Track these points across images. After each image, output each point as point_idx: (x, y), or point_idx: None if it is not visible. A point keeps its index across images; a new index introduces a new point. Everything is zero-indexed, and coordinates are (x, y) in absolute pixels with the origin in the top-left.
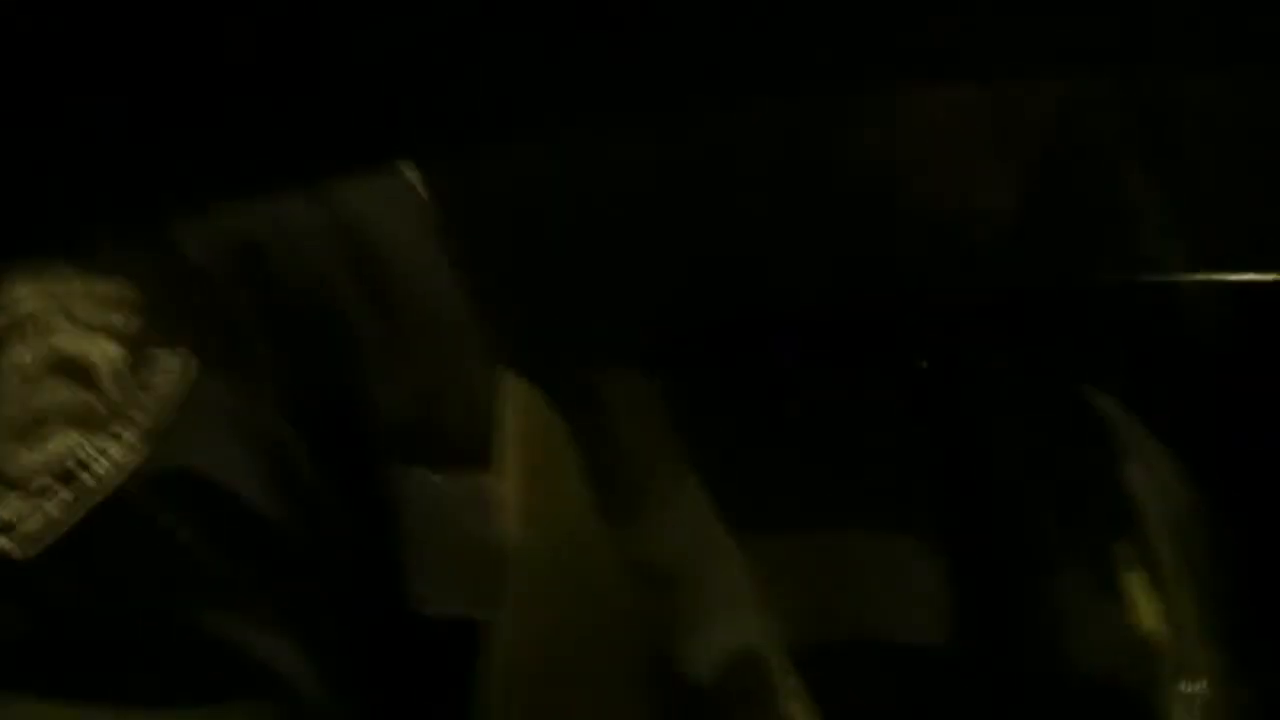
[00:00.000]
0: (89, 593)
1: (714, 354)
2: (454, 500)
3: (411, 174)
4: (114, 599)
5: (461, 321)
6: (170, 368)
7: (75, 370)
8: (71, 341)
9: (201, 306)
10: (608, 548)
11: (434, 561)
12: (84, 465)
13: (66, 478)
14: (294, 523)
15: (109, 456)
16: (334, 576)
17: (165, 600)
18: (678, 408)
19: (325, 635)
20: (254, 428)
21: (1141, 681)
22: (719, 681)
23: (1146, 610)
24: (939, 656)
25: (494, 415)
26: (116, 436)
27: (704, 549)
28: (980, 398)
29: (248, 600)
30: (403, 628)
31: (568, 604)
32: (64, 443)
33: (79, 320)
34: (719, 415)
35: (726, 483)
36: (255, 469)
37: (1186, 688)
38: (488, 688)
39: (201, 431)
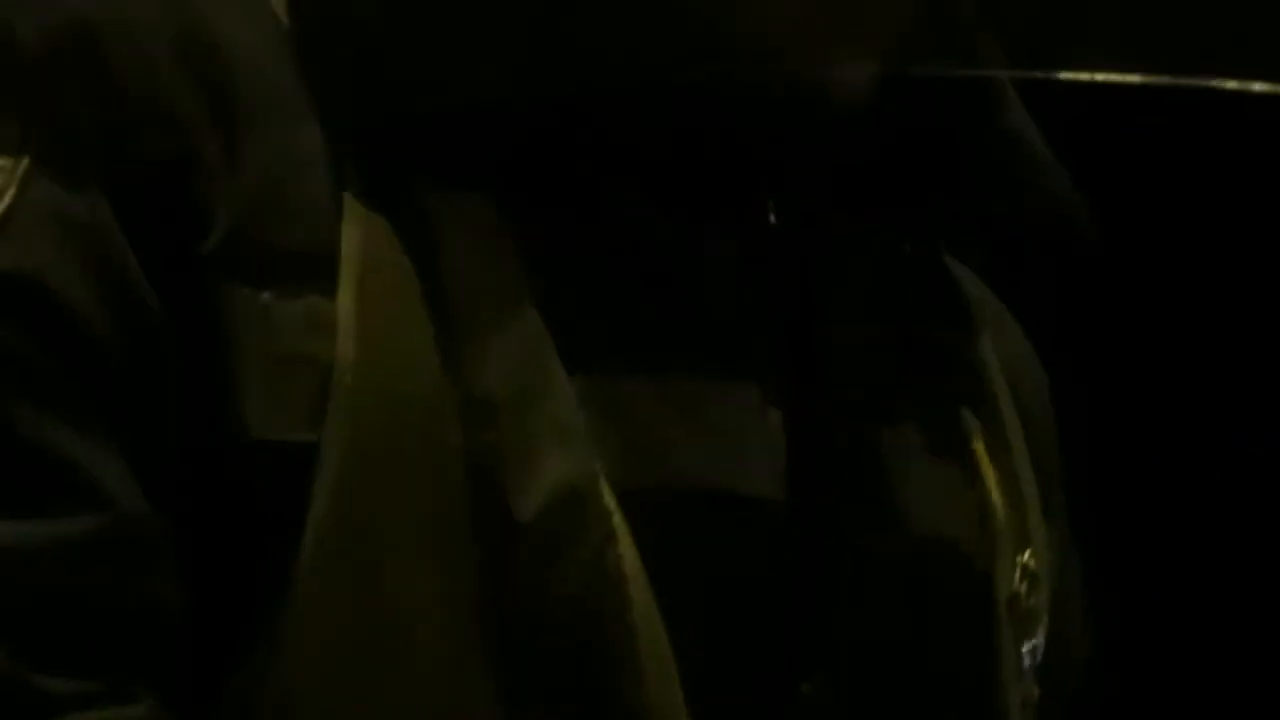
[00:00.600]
0: None
1: (562, 188)
2: (285, 321)
3: None
4: None
5: (300, 133)
6: (2, 166)
7: None
8: None
9: (34, 94)
10: (440, 377)
11: (262, 383)
12: None
13: None
14: (121, 332)
15: None
16: (160, 390)
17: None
18: (522, 239)
19: (149, 449)
20: (83, 232)
21: (977, 548)
22: (541, 517)
23: (988, 480)
24: (770, 509)
25: (331, 237)
26: None
27: (534, 381)
28: (832, 255)
29: (73, 408)
30: (229, 447)
31: (396, 432)
32: None
33: None
34: (563, 252)
35: (565, 319)
36: (84, 274)
37: (1020, 559)
38: (313, 513)
39: (32, 234)
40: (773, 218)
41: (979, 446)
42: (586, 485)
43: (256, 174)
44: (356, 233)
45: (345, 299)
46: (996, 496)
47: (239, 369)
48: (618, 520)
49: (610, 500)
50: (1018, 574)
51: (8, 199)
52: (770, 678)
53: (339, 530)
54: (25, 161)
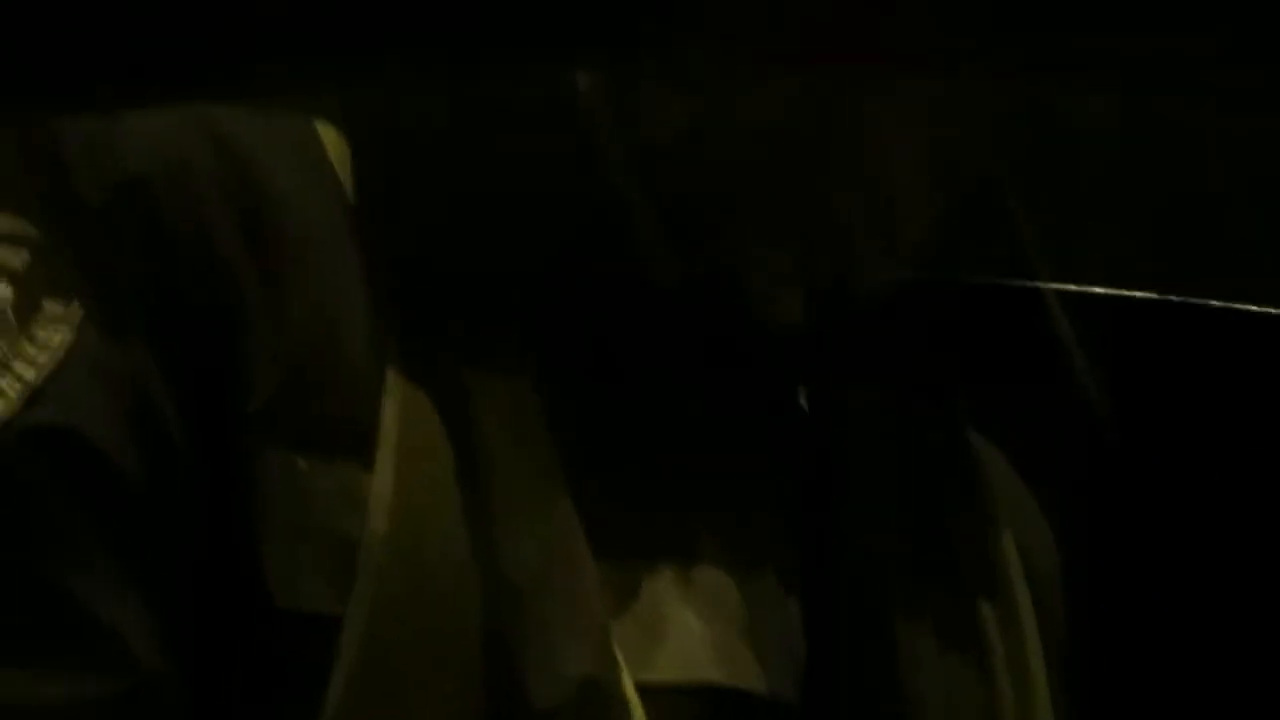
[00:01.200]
0: None
1: (597, 369)
2: (319, 491)
3: (323, 126)
4: None
5: (347, 298)
6: (56, 316)
7: None
8: None
9: (89, 245)
10: (468, 558)
11: (292, 552)
12: None
13: None
14: (156, 488)
15: None
16: (190, 549)
17: (18, 554)
18: (557, 419)
19: (175, 607)
20: (126, 383)
21: None
22: (562, 706)
23: (999, 678)
24: (785, 709)
25: (371, 408)
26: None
27: (559, 566)
28: (859, 441)
29: (103, 564)
30: (255, 612)
31: (421, 610)
32: None
33: None
34: (596, 434)
35: (594, 501)
36: (123, 426)
37: None
38: (333, 684)
39: (76, 386)
40: (804, 402)
41: (993, 640)
42: (607, 677)
43: (302, 335)
44: (396, 406)
45: (382, 474)
46: (1008, 695)
47: (269, 535)
48: (638, 714)
49: (630, 691)
50: None
51: (61, 354)
52: None
53: (357, 704)
54: (79, 313)
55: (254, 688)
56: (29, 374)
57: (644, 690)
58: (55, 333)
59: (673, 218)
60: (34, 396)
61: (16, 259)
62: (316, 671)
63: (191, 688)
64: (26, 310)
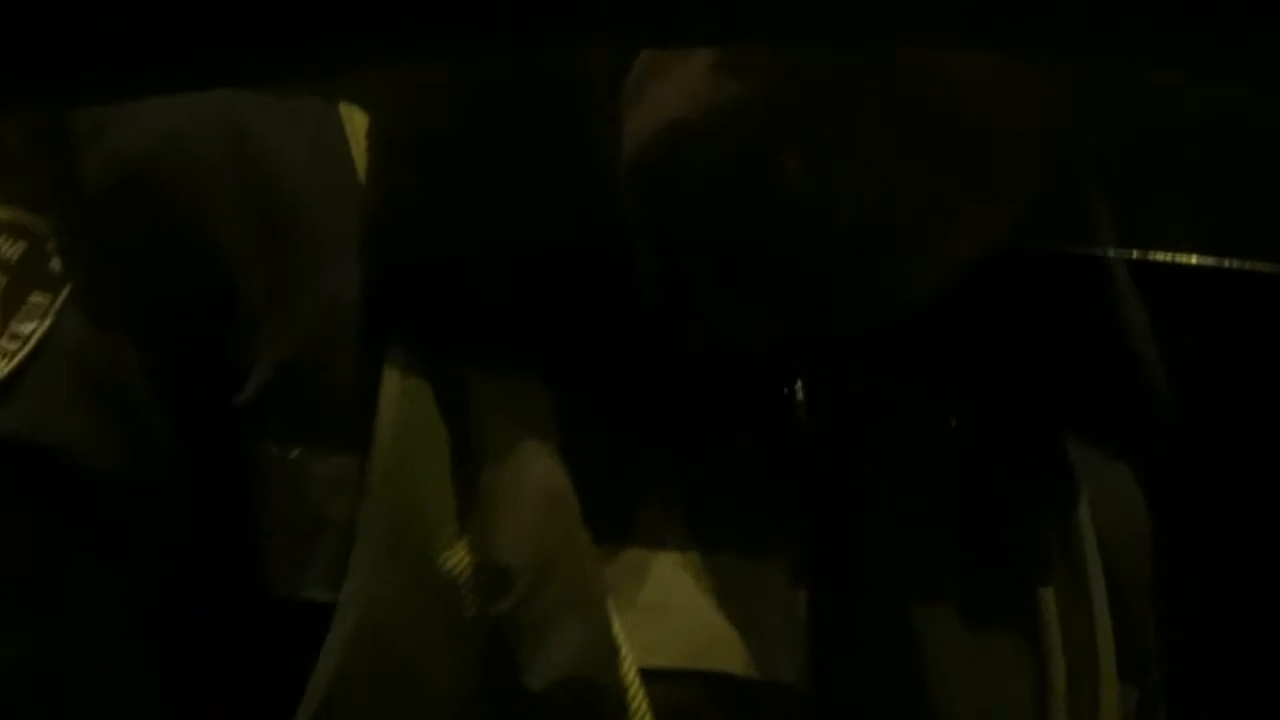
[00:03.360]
0: None
1: (601, 365)
2: (313, 479)
3: (349, 109)
4: None
5: (349, 288)
6: (38, 307)
7: None
8: None
9: (87, 227)
10: (465, 544)
11: (285, 541)
12: None
13: None
14: (132, 480)
15: None
16: (175, 540)
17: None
18: (560, 412)
19: (161, 600)
20: (104, 373)
21: None
22: (554, 690)
23: (1052, 652)
24: (792, 695)
25: (368, 397)
26: None
27: (555, 550)
28: (865, 438)
29: (77, 559)
30: (250, 601)
31: (415, 597)
32: None
33: None
34: (600, 426)
35: (598, 489)
36: (94, 418)
37: None
38: (325, 668)
39: (47, 378)
40: (800, 398)
41: (1049, 615)
42: (601, 662)
43: (301, 324)
44: (394, 395)
45: (378, 462)
46: (1059, 669)
47: (264, 525)
48: (637, 698)
49: (632, 675)
50: None
51: (39, 338)
52: None
53: (351, 689)
54: (63, 294)
55: (249, 675)
56: (1, 366)
57: (648, 675)
58: (31, 324)
59: (666, 234)
60: (4, 392)
61: (14, 250)
62: (311, 658)
63: (183, 683)
64: (13, 303)
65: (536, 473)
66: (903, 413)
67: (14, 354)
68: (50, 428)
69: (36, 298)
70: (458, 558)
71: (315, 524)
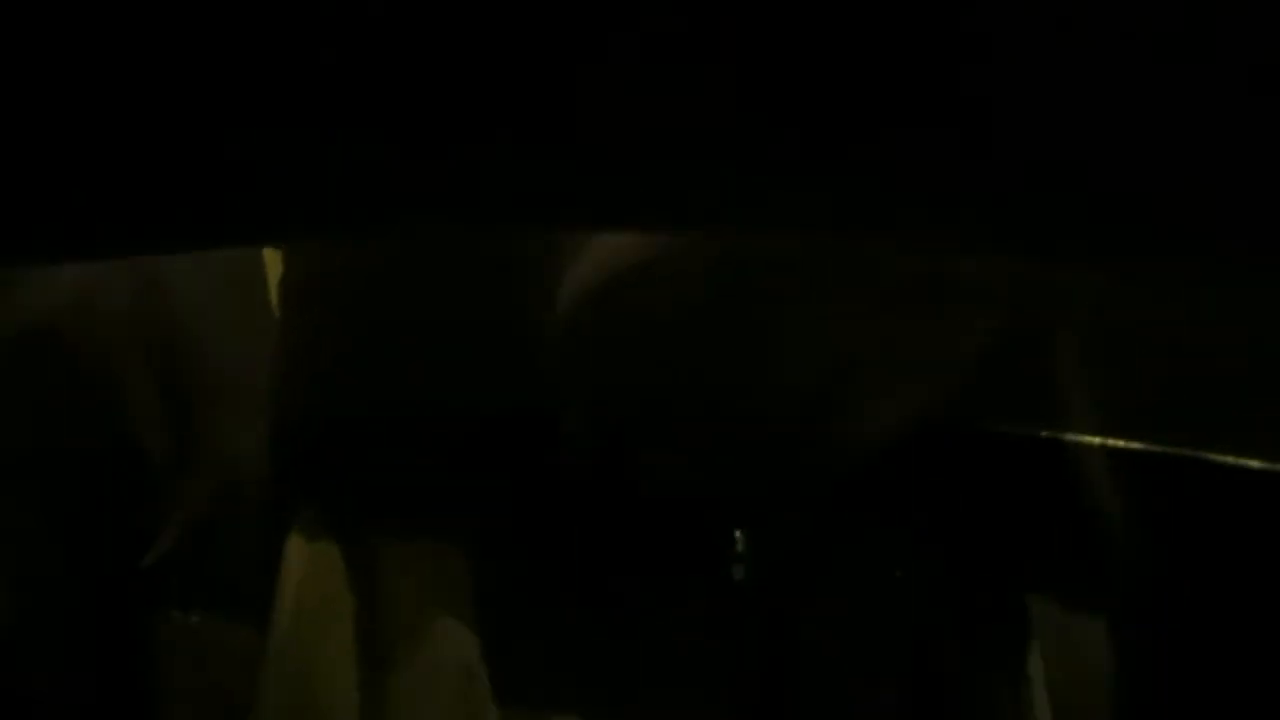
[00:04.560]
0: None
1: (522, 533)
2: (212, 650)
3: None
4: None
5: (254, 450)
6: None
7: None
8: None
9: (11, 386)
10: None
11: (184, 712)
12: None
13: None
14: (36, 641)
15: None
16: (75, 703)
17: None
18: (477, 582)
19: None
20: (8, 533)
21: None
22: None
23: None
24: None
25: (269, 566)
26: None
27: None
28: (805, 602)
29: None
30: None
31: None
32: None
33: None
34: (521, 598)
35: (519, 665)
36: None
37: None
38: None
39: None
40: (740, 551)
41: None
42: None
43: (207, 487)
44: (298, 562)
45: (276, 636)
46: None
47: (162, 693)
48: None
49: None
50: None
51: None
52: None
53: None
54: None
55: None
56: None
57: None
58: None
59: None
60: None
61: None
62: None
63: None
64: None
65: (448, 648)
66: (847, 566)
67: None
68: None
69: None
70: None
71: (212, 696)
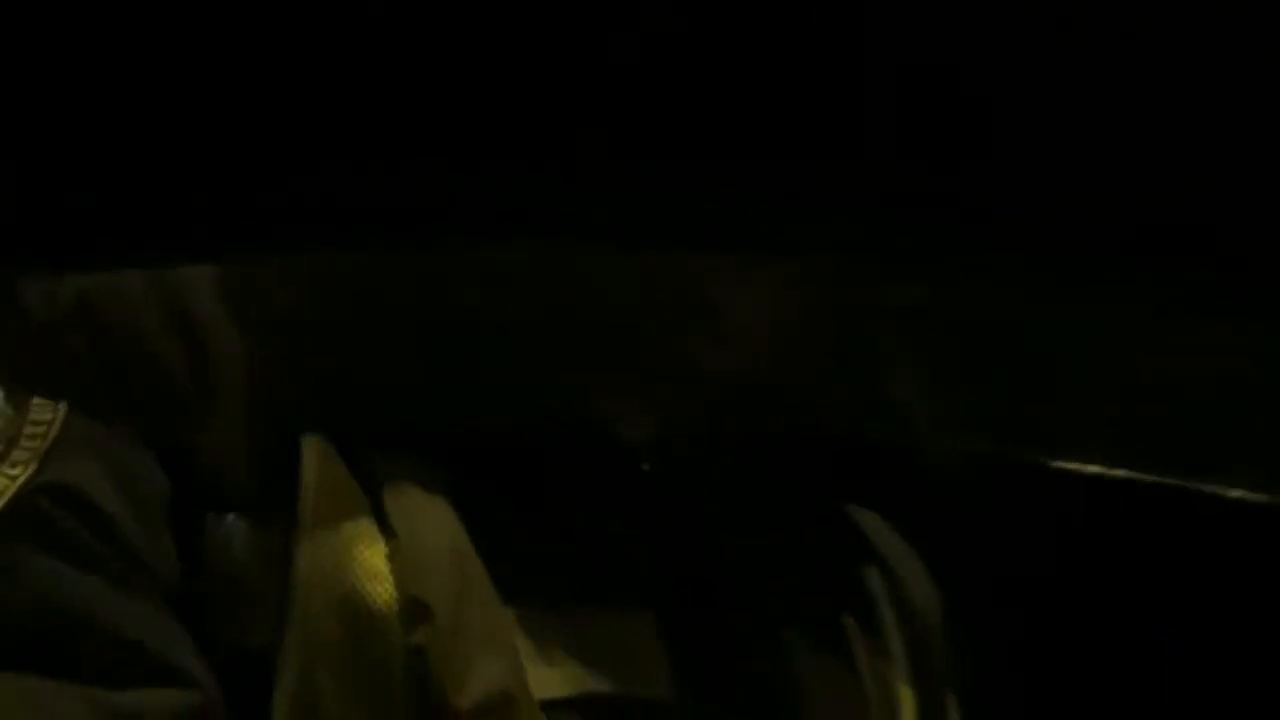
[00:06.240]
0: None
1: (490, 454)
2: (253, 546)
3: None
4: (38, 591)
5: (259, 389)
6: (43, 404)
7: None
8: None
9: (43, 353)
10: (387, 588)
11: (229, 597)
12: None
13: None
14: (149, 549)
15: (7, 475)
16: (172, 588)
17: (78, 586)
18: (458, 495)
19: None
20: (110, 456)
21: None
22: (479, 707)
23: (866, 681)
24: (665, 708)
25: (290, 475)
26: (14, 461)
27: (467, 590)
28: (702, 494)
29: (139, 593)
30: (208, 645)
31: (348, 638)
32: None
33: None
34: (491, 503)
35: (493, 558)
36: (120, 496)
37: None
38: (276, 707)
39: (77, 458)
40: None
41: (859, 650)
42: (518, 686)
43: (226, 416)
44: (314, 466)
45: (304, 522)
46: (874, 697)
47: (213, 579)
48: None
49: (537, 708)
50: None
51: (55, 431)
52: None
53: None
54: (64, 407)
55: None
56: (36, 444)
57: (544, 706)
58: (48, 414)
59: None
60: (43, 461)
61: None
62: (263, 700)
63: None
64: (18, 402)
65: (444, 532)
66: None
67: (46, 436)
68: (79, 480)
69: (38, 400)
70: (387, 592)
71: (252, 581)
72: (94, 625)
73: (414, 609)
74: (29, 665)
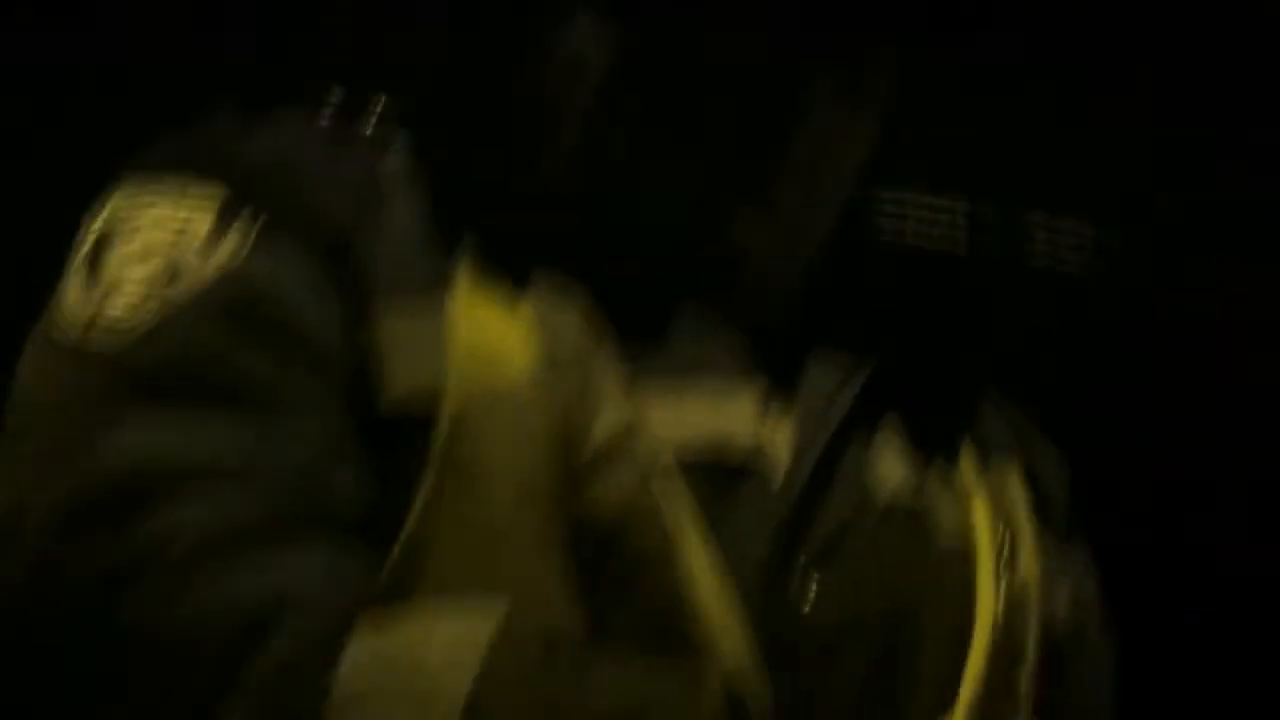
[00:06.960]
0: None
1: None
2: (416, 335)
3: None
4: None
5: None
6: (234, 236)
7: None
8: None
9: (256, 196)
10: (529, 364)
11: (390, 355)
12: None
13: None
14: (341, 345)
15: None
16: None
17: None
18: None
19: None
20: (306, 266)
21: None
22: (608, 449)
23: (971, 496)
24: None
25: (444, 279)
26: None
27: (589, 348)
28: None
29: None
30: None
31: (493, 404)
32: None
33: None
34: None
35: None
36: (313, 295)
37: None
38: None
39: (277, 248)
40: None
41: (966, 464)
42: (638, 423)
43: (388, 256)
44: (466, 279)
45: (455, 326)
46: (981, 514)
47: (377, 334)
48: (667, 464)
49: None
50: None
51: (242, 255)
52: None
53: (452, 470)
54: (261, 221)
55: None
56: (246, 232)
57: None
58: (234, 244)
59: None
60: (253, 249)
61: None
62: (418, 467)
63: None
64: (218, 233)
65: (575, 319)
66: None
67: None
68: (275, 279)
69: (234, 233)
70: (528, 374)
71: (414, 336)
72: None
73: (549, 367)
74: None
